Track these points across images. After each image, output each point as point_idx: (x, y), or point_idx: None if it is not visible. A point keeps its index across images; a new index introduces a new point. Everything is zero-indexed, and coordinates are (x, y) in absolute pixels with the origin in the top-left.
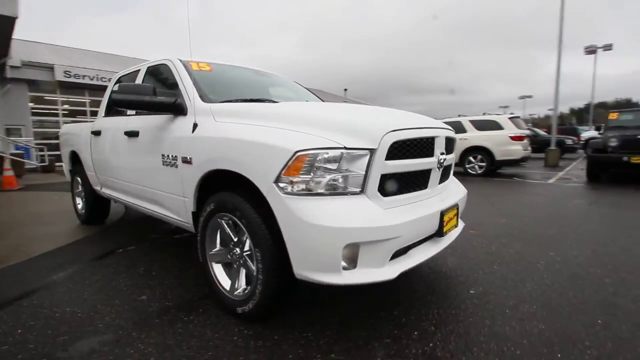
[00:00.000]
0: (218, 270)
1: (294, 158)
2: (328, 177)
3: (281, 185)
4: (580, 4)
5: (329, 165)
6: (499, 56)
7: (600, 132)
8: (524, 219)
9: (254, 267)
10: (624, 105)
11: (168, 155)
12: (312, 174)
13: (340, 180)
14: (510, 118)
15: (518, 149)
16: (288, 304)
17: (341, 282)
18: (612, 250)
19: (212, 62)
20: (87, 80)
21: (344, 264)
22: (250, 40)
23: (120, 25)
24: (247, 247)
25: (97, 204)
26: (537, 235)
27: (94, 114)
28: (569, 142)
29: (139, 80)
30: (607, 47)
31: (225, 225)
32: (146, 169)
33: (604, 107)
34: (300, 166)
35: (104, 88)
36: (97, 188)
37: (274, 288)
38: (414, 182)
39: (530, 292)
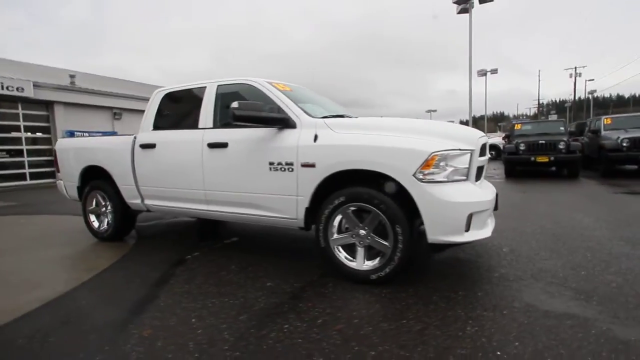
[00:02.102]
0: (341, 252)
1: (429, 157)
2: (449, 169)
3: (418, 176)
4: (464, 36)
5: (449, 162)
6: (399, 75)
7: (506, 140)
8: None
9: (385, 242)
10: (499, 117)
11: (279, 162)
12: (439, 168)
13: (456, 171)
14: None
15: None
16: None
17: (463, 240)
18: (563, 219)
19: (283, 83)
20: None
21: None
22: (153, 51)
23: None
24: (370, 228)
25: (127, 219)
26: (510, 215)
27: None
28: None
29: (208, 97)
30: (494, 71)
31: (352, 214)
32: (243, 176)
33: (484, 119)
34: (432, 163)
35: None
36: (136, 201)
37: (409, 253)
38: (480, 173)
39: (538, 246)
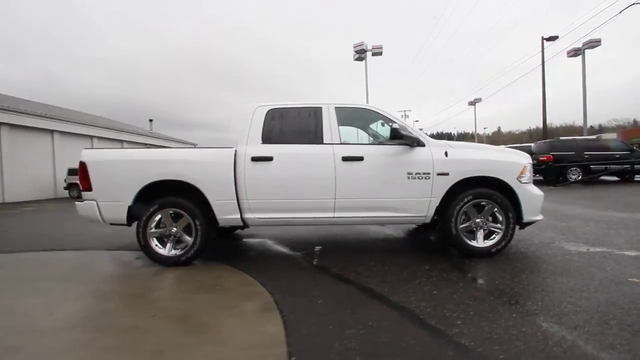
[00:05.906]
0: (466, 236)
1: (524, 166)
2: (528, 175)
3: (517, 179)
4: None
5: (528, 169)
6: (241, 100)
7: None
8: None
9: (499, 225)
10: None
11: (417, 172)
12: (526, 174)
13: (529, 175)
14: None
15: None
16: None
17: (539, 218)
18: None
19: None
20: None
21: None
22: None
23: None
24: (485, 217)
25: (209, 238)
26: None
27: None
28: None
29: (328, 117)
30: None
31: (473, 207)
32: (381, 184)
33: None
34: (524, 170)
35: None
36: (232, 216)
37: (515, 231)
38: None
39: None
